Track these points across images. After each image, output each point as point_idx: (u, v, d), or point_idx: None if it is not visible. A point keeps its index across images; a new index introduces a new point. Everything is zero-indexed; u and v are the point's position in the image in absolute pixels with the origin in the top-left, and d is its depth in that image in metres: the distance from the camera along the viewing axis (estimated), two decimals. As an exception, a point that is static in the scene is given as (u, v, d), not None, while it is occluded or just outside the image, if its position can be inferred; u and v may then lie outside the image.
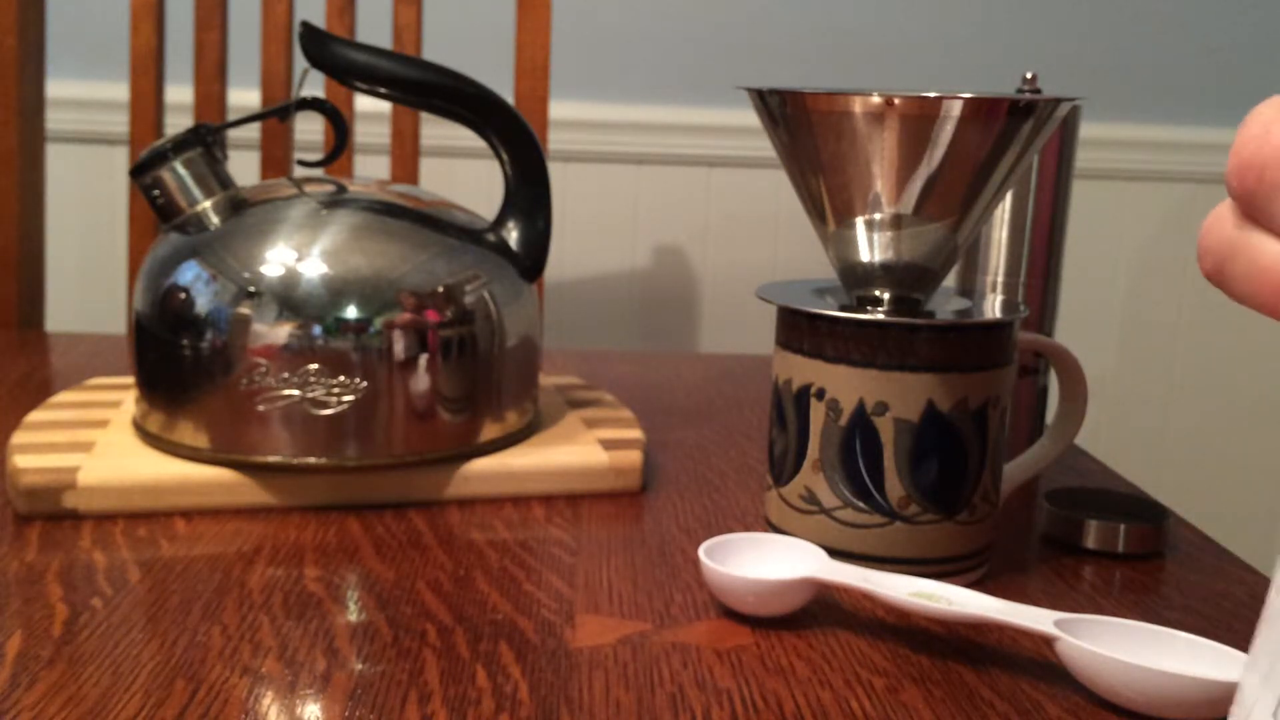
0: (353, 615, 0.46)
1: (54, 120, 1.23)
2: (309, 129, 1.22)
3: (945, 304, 0.54)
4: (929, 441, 0.49)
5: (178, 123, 1.15)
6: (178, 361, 0.56)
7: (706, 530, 0.56)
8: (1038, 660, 0.44)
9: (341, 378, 0.55)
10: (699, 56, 1.42)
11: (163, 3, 1.03)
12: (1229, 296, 0.24)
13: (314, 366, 0.55)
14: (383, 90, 0.61)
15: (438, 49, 1.21)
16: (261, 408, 0.55)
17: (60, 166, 1.34)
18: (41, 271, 1.05)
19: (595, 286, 1.48)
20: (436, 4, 1.29)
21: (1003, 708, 0.41)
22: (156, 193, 0.60)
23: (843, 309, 0.50)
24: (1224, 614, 0.50)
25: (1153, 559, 0.56)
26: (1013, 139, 0.48)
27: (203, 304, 0.56)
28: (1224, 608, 0.51)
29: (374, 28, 1.11)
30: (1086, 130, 1.37)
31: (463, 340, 0.58)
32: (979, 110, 0.47)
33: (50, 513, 0.54)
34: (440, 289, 0.57)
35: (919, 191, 0.48)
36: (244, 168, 0.86)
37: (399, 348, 0.56)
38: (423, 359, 0.57)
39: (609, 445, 0.62)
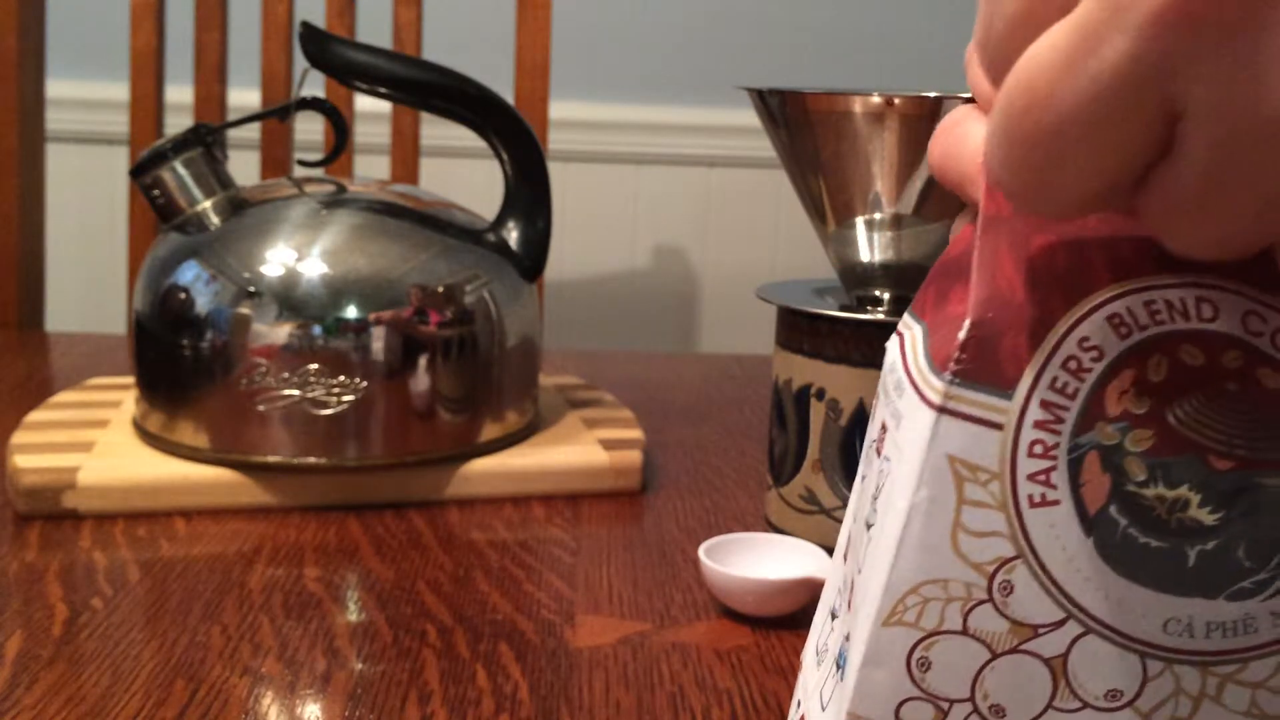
0: (353, 615, 0.46)
1: (54, 120, 1.23)
2: (309, 129, 1.22)
3: (945, 304, 0.53)
4: (929, 441, 0.49)
5: (178, 123, 1.15)
6: (178, 361, 0.56)
7: (706, 530, 0.56)
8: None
9: (341, 378, 0.55)
10: (699, 56, 1.42)
11: (163, 3, 1.03)
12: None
13: (314, 366, 0.55)
14: (383, 90, 0.61)
15: (438, 49, 1.21)
16: (261, 408, 0.55)
17: (60, 166, 1.34)
18: (41, 271, 1.05)
19: (595, 286, 1.48)
20: (436, 4, 1.29)
21: (1003, 708, 0.41)
22: (156, 193, 0.60)
23: (843, 309, 0.50)
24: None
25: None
26: (1013, 139, 0.48)
27: (203, 304, 0.56)
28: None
29: (374, 28, 1.11)
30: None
31: (463, 340, 0.58)
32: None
33: (50, 513, 0.54)
34: (440, 289, 0.57)
35: (919, 191, 0.48)
36: (244, 168, 0.86)
37: (399, 348, 0.56)
38: (423, 359, 0.57)
39: (609, 445, 0.62)
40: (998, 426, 0.23)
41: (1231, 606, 0.23)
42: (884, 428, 0.26)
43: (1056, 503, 0.23)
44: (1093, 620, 0.23)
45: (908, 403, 0.24)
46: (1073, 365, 0.23)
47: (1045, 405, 0.23)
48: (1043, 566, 0.23)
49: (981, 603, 0.23)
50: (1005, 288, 0.23)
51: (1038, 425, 0.23)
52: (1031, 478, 0.23)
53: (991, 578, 0.23)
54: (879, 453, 0.26)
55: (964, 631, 0.23)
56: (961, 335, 0.23)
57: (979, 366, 0.23)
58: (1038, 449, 0.23)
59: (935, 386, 0.23)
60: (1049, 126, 0.19)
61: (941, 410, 0.23)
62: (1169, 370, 0.23)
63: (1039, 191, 0.20)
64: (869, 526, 0.25)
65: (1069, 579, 0.23)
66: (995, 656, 0.23)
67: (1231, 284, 0.23)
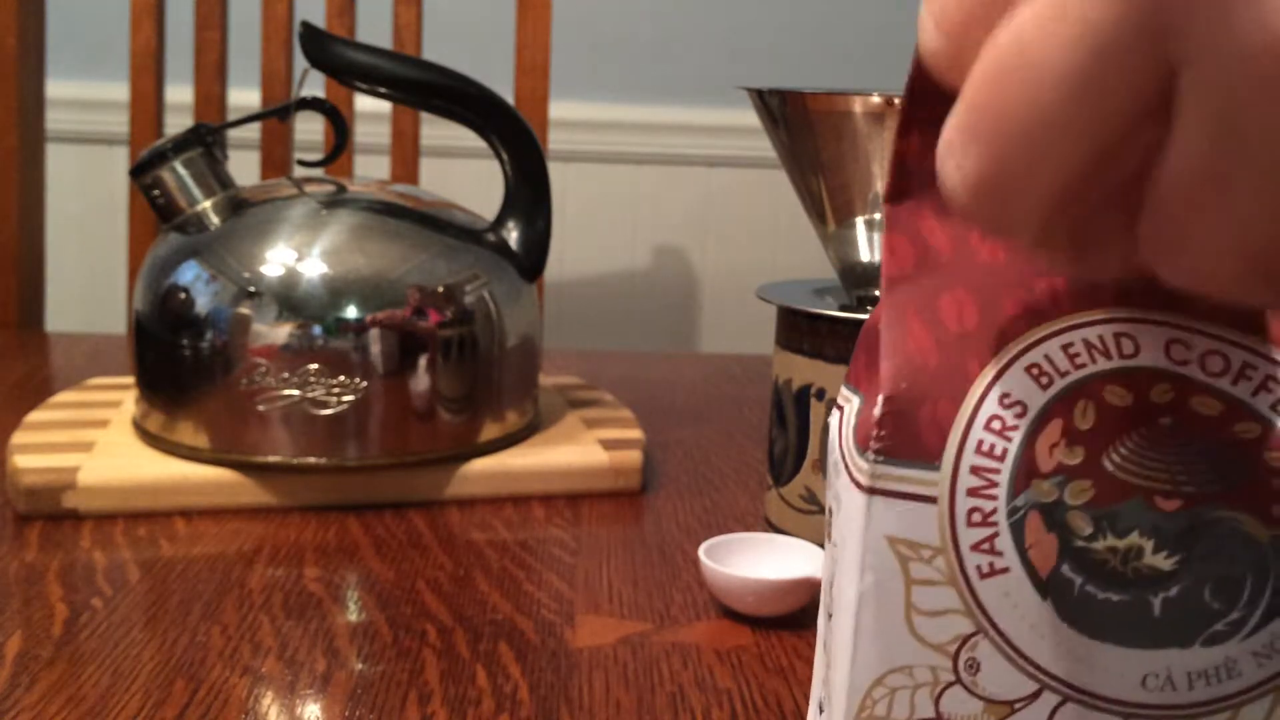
0: (353, 615, 0.46)
1: (54, 120, 1.24)
2: (309, 129, 1.22)
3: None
4: (929, 441, 0.49)
5: (178, 123, 1.15)
6: (178, 361, 0.56)
7: (706, 530, 0.56)
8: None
9: (341, 378, 0.55)
10: (699, 56, 1.42)
11: (163, 3, 1.03)
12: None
13: (314, 366, 0.55)
14: (383, 90, 0.61)
15: (438, 49, 1.21)
16: (261, 408, 0.55)
17: (60, 166, 1.34)
18: (41, 271, 1.05)
19: (595, 286, 1.48)
20: (436, 4, 1.29)
21: (1003, 708, 0.41)
22: (156, 193, 0.60)
23: (843, 309, 0.50)
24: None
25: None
26: (1013, 139, 0.48)
27: (203, 304, 0.56)
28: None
29: (374, 28, 1.11)
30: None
31: (463, 340, 0.58)
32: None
33: (50, 513, 0.54)
34: (440, 289, 0.57)
35: (919, 191, 0.48)
36: (244, 168, 0.86)
37: (399, 348, 0.56)
38: (423, 359, 0.57)
39: (609, 445, 0.62)
40: (931, 500, 0.22)
41: (1210, 652, 0.22)
42: (830, 510, 0.25)
43: (1006, 570, 0.21)
44: (1067, 687, 0.22)
45: (843, 485, 0.23)
46: (996, 425, 0.21)
47: (975, 471, 0.21)
48: (1005, 639, 0.22)
49: (950, 685, 0.22)
50: (916, 354, 0.22)
51: (971, 493, 0.21)
52: (975, 548, 0.22)
53: (955, 657, 0.22)
54: (829, 537, 0.25)
55: (938, 719, 0.22)
56: (877, 411, 0.22)
57: (900, 442, 0.22)
58: (976, 517, 0.22)
59: (861, 467, 0.22)
60: (1035, 84, 0.16)
61: (871, 491, 0.22)
62: (1097, 415, 0.21)
63: (1012, 182, 0.17)
64: (829, 617, 0.24)
65: (1034, 648, 0.22)
66: None
67: (1152, 314, 0.22)
